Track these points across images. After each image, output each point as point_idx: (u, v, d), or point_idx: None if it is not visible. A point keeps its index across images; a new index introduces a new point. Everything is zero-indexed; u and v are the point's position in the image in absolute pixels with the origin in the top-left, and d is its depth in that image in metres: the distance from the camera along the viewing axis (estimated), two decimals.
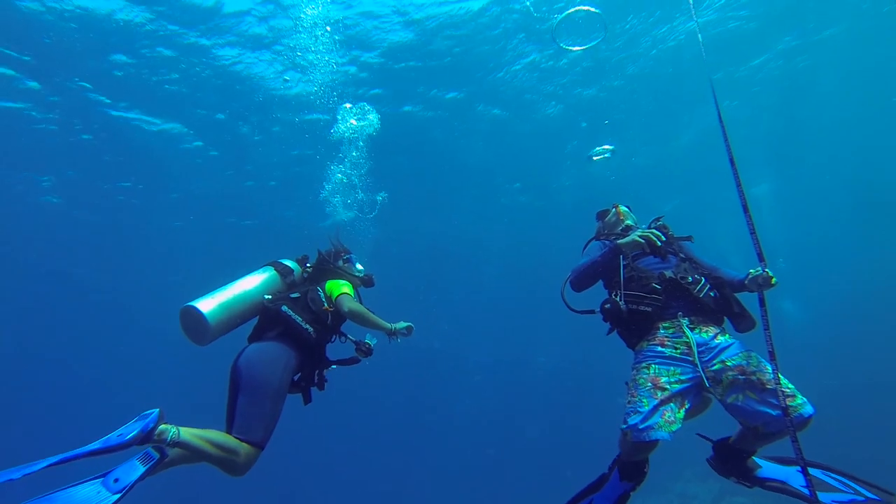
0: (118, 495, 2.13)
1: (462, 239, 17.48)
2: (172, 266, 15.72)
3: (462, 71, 11.02)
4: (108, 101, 10.45)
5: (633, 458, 2.63)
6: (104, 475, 2.21)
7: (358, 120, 9.27)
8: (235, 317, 3.05)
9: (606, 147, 10.21)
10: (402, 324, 3.24)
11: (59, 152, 11.42)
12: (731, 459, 2.77)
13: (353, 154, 9.36)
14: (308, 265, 3.57)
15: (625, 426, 2.52)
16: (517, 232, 17.23)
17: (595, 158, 10.28)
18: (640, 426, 2.44)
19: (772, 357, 2.40)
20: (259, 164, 12.96)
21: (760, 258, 2.51)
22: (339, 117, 9.40)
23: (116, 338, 19.10)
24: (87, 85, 10.01)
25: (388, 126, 10.97)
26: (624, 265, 2.92)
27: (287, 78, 10.16)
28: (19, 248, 14.32)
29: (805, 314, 18.13)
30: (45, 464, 1.97)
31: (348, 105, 9.44)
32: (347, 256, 3.74)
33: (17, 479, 1.89)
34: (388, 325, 3.22)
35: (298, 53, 9.62)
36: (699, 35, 9.58)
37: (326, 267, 3.56)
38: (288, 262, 3.49)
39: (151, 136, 11.48)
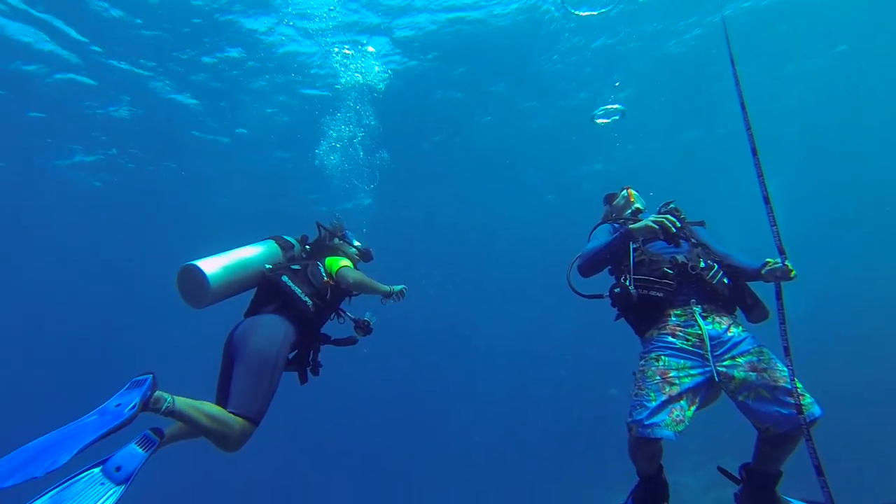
0: (124, 485, 2.01)
1: (474, 224, 17.39)
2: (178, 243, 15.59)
3: (486, 55, 10.66)
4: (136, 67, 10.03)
5: (640, 458, 2.55)
6: (102, 463, 2.06)
7: (359, 66, 8.52)
8: (235, 282, 3.03)
9: (614, 107, 8.74)
10: (398, 286, 3.40)
11: (68, 122, 11.16)
12: (758, 491, 2.62)
13: (355, 105, 8.66)
14: (307, 245, 3.63)
15: (630, 419, 2.44)
16: (533, 221, 17.11)
17: (599, 121, 8.56)
18: (646, 422, 2.35)
19: (786, 353, 2.32)
20: (269, 143, 12.74)
21: (781, 251, 2.43)
22: (340, 63, 8.53)
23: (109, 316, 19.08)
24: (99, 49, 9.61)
25: (406, 103, 10.64)
26: (634, 249, 2.82)
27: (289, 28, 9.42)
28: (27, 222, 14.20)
29: (803, 311, 17.91)
30: (66, 458, 1.82)
31: (347, 50, 8.60)
32: (343, 233, 3.79)
33: (41, 477, 1.75)
34: (387, 287, 3.36)
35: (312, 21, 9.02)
36: (724, 27, 9.12)
37: (325, 244, 3.64)
38: (289, 238, 3.53)
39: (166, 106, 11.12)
